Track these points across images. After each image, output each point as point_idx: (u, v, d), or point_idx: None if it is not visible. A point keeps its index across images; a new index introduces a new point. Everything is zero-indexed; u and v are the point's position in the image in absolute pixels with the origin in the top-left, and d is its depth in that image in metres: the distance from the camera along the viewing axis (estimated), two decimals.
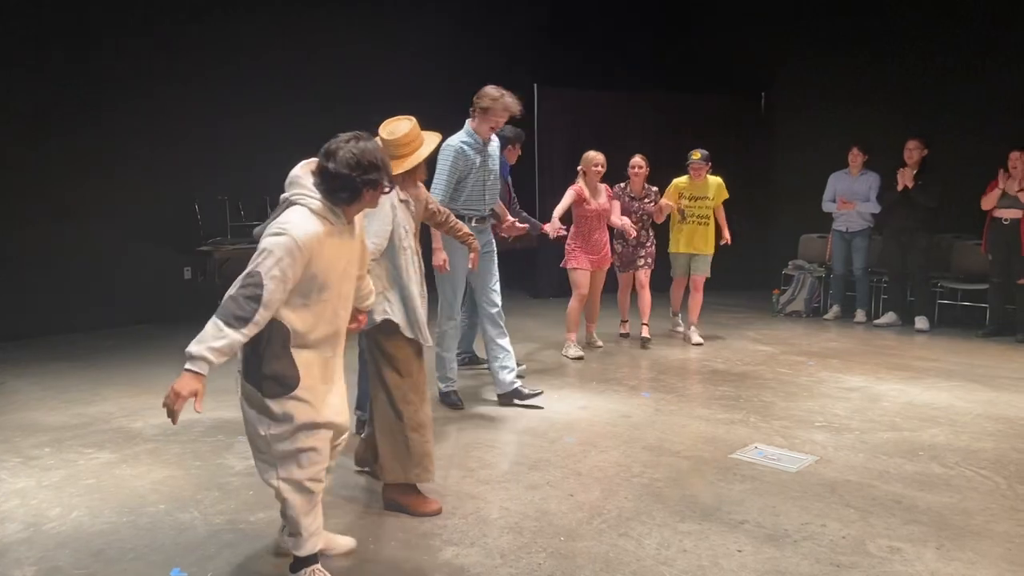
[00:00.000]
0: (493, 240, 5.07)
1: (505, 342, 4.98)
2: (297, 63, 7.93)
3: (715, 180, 6.74)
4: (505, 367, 4.97)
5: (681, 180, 6.79)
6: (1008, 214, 6.81)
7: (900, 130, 7.49)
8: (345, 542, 3.03)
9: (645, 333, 6.69)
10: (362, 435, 3.87)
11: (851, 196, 7.69)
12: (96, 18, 6.97)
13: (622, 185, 6.65)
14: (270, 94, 7.74)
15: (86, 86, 6.94)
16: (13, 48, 6.59)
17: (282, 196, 2.61)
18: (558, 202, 6.19)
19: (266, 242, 2.48)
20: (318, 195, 2.56)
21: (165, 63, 7.27)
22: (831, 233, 8.00)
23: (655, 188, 6.71)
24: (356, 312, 2.93)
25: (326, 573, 2.77)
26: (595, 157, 6.20)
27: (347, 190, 2.55)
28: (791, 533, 3.16)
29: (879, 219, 7.65)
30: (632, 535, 3.15)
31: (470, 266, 4.32)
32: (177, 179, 7.48)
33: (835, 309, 8.05)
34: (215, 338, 2.38)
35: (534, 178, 9.00)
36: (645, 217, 6.66)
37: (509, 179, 5.87)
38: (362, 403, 4.18)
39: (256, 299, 2.41)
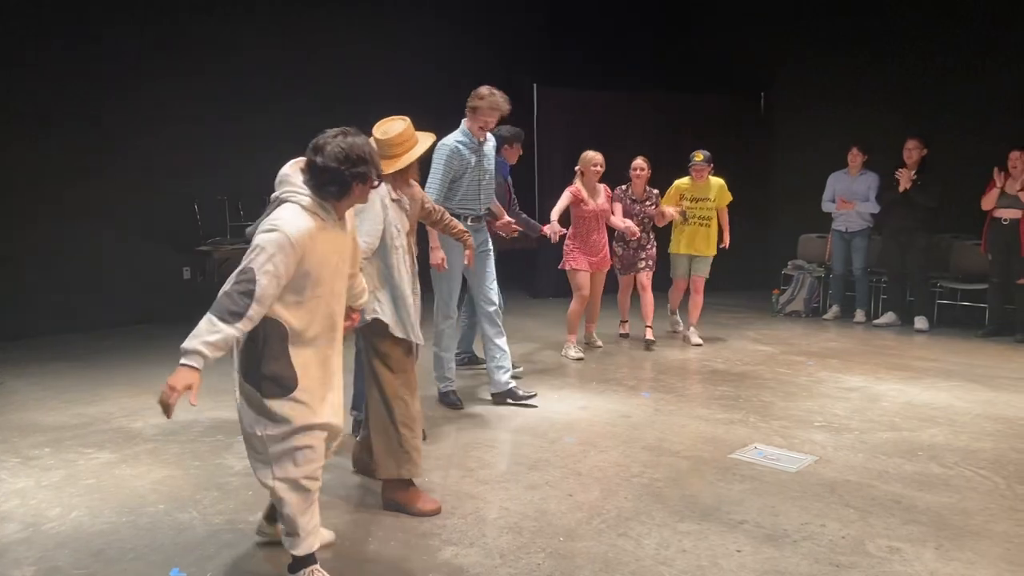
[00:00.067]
0: (489, 239, 5.08)
1: (502, 341, 4.99)
2: (297, 63, 7.93)
3: (717, 181, 6.73)
4: (501, 367, 4.99)
5: (683, 181, 6.78)
6: (1008, 214, 6.81)
7: (900, 130, 7.49)
8: (325, 535, 3.02)
9: (649, 335, 6.67)
10: (357, 437, 3.86)
11: (850, 196, 7.69)
12: (96, 18, 6.96)
13: (623, 187, 6.61)
14: (270, 94, 7.74)
15: (86, 86, 6.94)
16: (13, 48, 6.59)
17: (273, 195, 2.63)
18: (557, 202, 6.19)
19: (259, 239, 2.49)
20: (308, 191, 2.57)
21: (165, 63, 7.26)
22: (830, 233, 8.00)
23: (656, 191, 6.70)
24: (349, 310, 2.94)
25: (324, 573, 2.77)
26: (593, 157, 6.17)
27: (336, 184, 2.56)
28: (790, 533, 3.17)
29: (878, 219, 7.65)
30: (631, 535, 3.15)
31: (465, 262, 4.32)
32: (176, 179, 7.47)
33: (834, 309, 8.05)
34: (209, 332, 2.39)
35: (534, 178, 8.99)
36: (646, 220, 6.64)
37: (509, 179, 5.85)
38: (357, 403, 4.17)
39: (249, 294, 2.42)
